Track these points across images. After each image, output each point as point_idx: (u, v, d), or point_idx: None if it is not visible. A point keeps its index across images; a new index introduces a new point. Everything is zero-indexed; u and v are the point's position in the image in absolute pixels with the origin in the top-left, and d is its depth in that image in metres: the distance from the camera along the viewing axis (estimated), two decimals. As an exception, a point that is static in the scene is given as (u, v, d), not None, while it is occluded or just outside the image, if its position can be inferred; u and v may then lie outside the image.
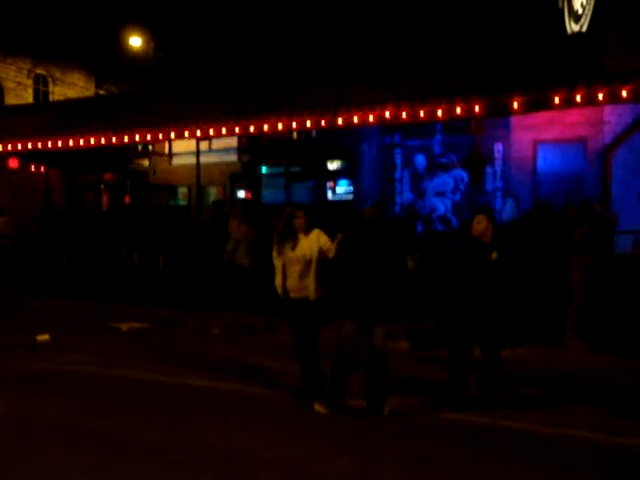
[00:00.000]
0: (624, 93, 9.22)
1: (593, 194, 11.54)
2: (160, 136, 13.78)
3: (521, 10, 17.14)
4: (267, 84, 12.92)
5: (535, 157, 13.65)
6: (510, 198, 12.99)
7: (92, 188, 18.77)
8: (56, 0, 22.45)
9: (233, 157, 18.27)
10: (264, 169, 17.94)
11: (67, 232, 14.46)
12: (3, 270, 14.19)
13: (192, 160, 14.51)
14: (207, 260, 12.06)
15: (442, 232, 14.73)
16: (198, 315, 10.63)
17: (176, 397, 6.45)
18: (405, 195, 15.77)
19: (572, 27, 13.99)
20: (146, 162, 19.91)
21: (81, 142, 14.15)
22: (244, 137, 16.27)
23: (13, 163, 17.41)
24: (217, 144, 17.34)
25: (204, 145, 16.08)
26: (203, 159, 14.44)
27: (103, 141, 13.84)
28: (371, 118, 11.09)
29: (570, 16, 14.28)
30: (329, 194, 17.50)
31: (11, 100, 22.40)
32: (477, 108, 10.22)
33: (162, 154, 19.28)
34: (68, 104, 17.80)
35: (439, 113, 10.54)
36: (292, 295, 6.21)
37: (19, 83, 23.23)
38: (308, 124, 11.67)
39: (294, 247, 6.14)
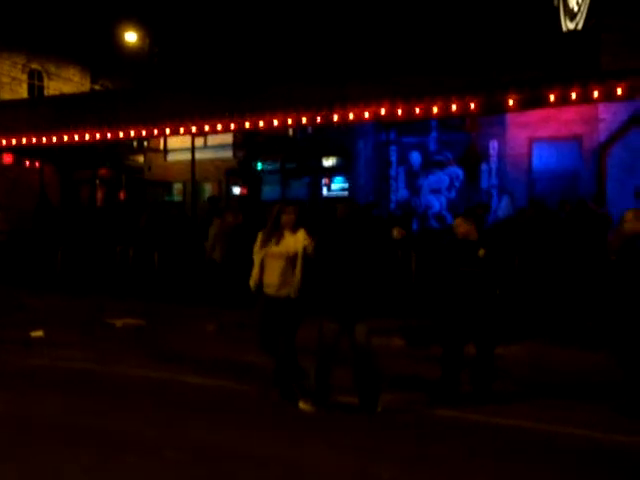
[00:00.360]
0: (619, 91, 9.24)
1: (588, 192, 11.57)
2: (155, 132, 13.75)
3: (517, 8, 17.14)
4: (263, 80, 12.90)
5: (530, 155, 13.67)
6: (505, 195, 13.01)
7: (87, 184, 18.71)
8: (51, -5, 22.37)
9: (228, 153, 18.24)
10: (259, 165, 17.93)
11: (62, 228, 14.42)
12: (-3, 266, 14.15)
13: (187, 156, 14.49)
14: (202, 256, 12.05)
15: (437, 229, 14.73)
16: (193, 311, 10.62)
17: (172, 394, 6.45)
18: (400, 192, 15.77)
19: (567, 25, 14.01)
20: (141, 158, 19.87)
21: (76, 137, 14.11)
22: (239, 133, 16.23)
23: (7, 158, 17.34)
24: (212, 140, 17.32)
25: (199, 141, 16.05)
26: (198, 155, 14.42)
27: (98, 137, 13.81)
28: (367, 115, 11.09)
29: (565, 14, 14.31)
30: (324, 191, 17.50)
31: (5, 95, 22.31)
32: (472, 105, 10.23)
33: (157, 150, 19.24)
34: (63, 99, 17.77)
35: (434, 110, 10.54)
36: (268, 291, 6.15)
37: (14, 78, 23.14)
38: (304, 120, 11.66)
39: (278, 242, 6.13)
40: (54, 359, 7.78)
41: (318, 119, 11.46)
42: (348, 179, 16.97)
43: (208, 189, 18.58)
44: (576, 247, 9.65)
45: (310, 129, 15.30)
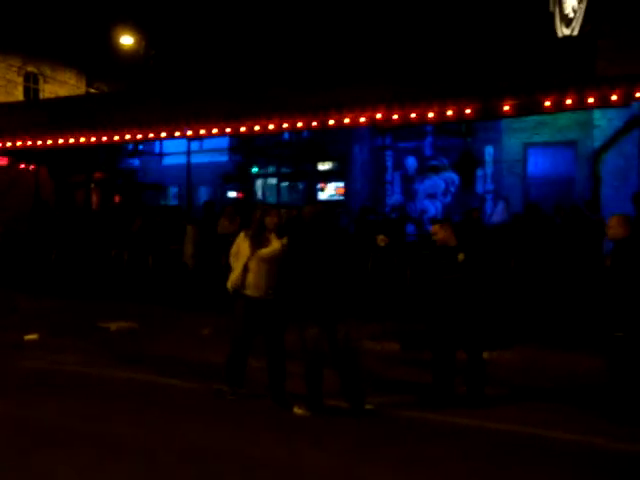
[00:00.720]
0: (614, 97, 9.24)
1: (583, 198, 11.60)
2: (151, 135, 13.72)
3: (513, 14, 17.19)
4: (259, 84, 12.89)
5: (525, 160, 13.71)
6: (501, 200, 13.04)
7: (82, 187, 18.66)
8: (47, -2, 22.36)
9: (224, 157, 18.25)
10: (255, 169, 17.93)
11: (57, 231, 14.38)
12: (-9, 269, 14.10)
13: (183, 160, 14.47)
14: (197, 261, 12.04)
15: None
16: (188, 315, 10.59)
17: (166, 398, 6.43)
18: (396, 197, 15.80)
19: (563, 31, 14.06)
20: (136, 161, 19.85)
21: (71, 140, 14.05)
22: (235, 137, 16.23)
23: (2, 161, 17.29)
24: (208, 144, 17.31)
25: (195, 145, 16.05)
26: (194, 159, 14.41)
27: (93, 140, 13.75)
28: (363, 119, 11.08)
29: (561, 20, 14.36)
30: (320, 195, 17.51)
31: (1, 97, 22.22)
32: (468, 111, 10.23)
33: (153, 153, 19.22)
34: (58, 102, 17.69)
35: (430, 115, 10.54)
36: (250, 293, 6.16)
37: (9, 80, 23.08)
38: (299, 125, 11.63)
39: (265, 245, 6.17)
40: (48, 362, 7.76)
41: (314, 123, 11.44)
42: (344, 184, 16.98)
43: (204, 193, 18.59)
44: (570, 253, 9.67)
45: (306, 133, 15.30)
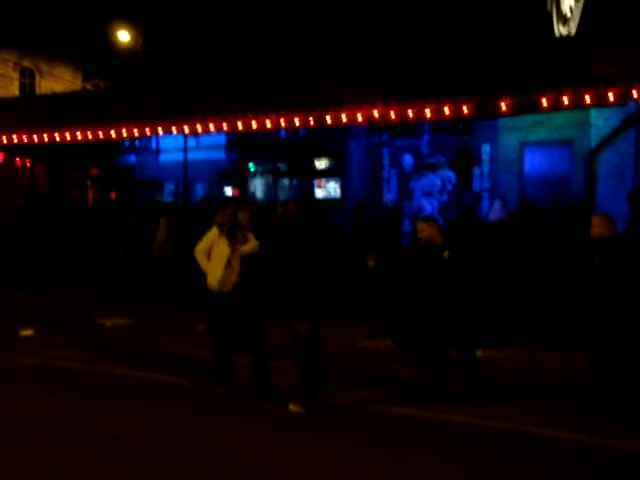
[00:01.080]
0: (611, 96, 9.27)
1: (579, 196, 11.62)
2: (147, 132, 13.69)
3: (510, 13, 17.21)
4: (256, 81, 12.87)
5: (522, 159, 13.72)
6: (498, 199, 13.05)
7: (78, 183, 18.61)
8: (44, -7, 22.29)
9: (221, 154, 18.21)
10: (252, 166, 17.91)
11: (52, 227, 14.35)
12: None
13: (179, 156, 14.44)
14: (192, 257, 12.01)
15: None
16: (184, 311, 10.58)
17: (161, 395, 6.45)
18: (392, 195, 15.79)
19: (560, 30, 14.08)
20: (133, 158, 19.79)
21: (67, 136, 14.02)
22: (232, 134, 16.20)
23: (-2, 156, 17.24)
24: (205, 141, 17.28)
25: (192, 142, 16.01)
26: (190, 156, 14.38)
27: (90, 136, 13.72)
28: (360, 117, 11.08)
29: (559, 19, 14.37)
30: (316, 192, 17.49)
31: (-4, 93, 22.20)
32: (465, 109, 10.24)
33: (149, 150, 19.17)
34: (54, 98, 17.67)
35: (427, 113, 10.54)
36: (225, 289, 6.25)
37: (5, 76, 23.03)
38: (297, 122, 11.63)
39: (242, 242, 6.19)
40: (44, 358, 7.76)
41: (311, 121, 11.44)
42: (341, 181, 16.97)
43: (200, 190, 18.55)
44: (564, 251, 9.68)
45: (303, 131, 15.28)
